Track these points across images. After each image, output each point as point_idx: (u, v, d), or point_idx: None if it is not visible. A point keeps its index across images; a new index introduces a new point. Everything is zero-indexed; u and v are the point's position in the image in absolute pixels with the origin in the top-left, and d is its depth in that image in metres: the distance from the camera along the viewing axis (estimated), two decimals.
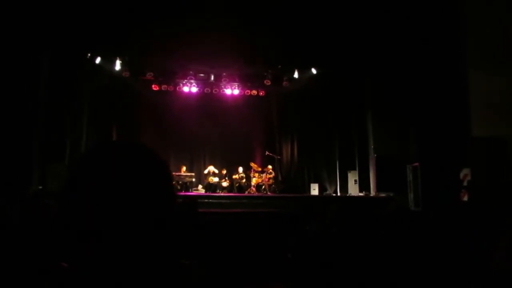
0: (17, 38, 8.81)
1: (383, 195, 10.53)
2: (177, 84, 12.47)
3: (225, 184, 11.85)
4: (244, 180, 12.04)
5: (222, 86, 12.66)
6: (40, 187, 9.77)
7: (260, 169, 12.18)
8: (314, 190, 11.81)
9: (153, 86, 12.32)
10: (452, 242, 3.12)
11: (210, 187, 11.74)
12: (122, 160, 0.81)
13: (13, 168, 8.55)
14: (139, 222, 0.77)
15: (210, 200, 9.75)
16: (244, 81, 12.65)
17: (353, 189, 11.63)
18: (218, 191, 11.61)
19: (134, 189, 0.78)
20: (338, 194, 12.14)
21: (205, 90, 12.68)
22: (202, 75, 12.58)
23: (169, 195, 0.84)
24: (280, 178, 12.87)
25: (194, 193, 11.31)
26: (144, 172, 0.81)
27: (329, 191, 12.51)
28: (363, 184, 11.70)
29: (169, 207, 0.82)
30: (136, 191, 0.78)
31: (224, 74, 12.49)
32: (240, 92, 12.72)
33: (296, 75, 12.41)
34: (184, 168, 11.72)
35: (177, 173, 11.29)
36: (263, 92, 12.87)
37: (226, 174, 12.02)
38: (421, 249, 2.84)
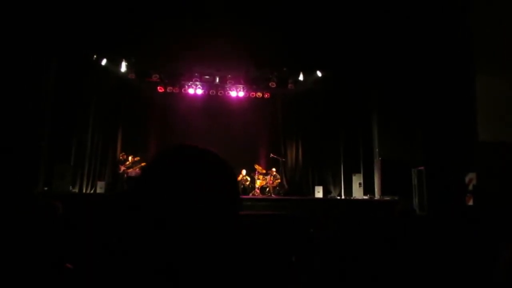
0: (24, 40, 8.90)
1: (387, 198, 10.49)
2: (182, 86, 12.51)
3: None
4: (248, 182, 12.04)
5: (227, 88, 12.68)
6: (46, 188, 9.83)
7: (264, 171, 12.17)
8: (319, 192, 11.79)
9: (158, 88, 12.37)
10: (457, 246, 3.10)
11: None
12: (192, 164, 0.83)
13: (20, 169, 8.62)
14: (206, 225, 0.79)
15: None
16: (249, 83, 12.67)
17: (358, 192, 11.59)
18: None
19: (202, 192, 0.80)
20: (343, 197, 12.10)
21: (210, 92, 12.71)
22: (207, 77, 12.61)
23: (235, 201, 0.85)
24: (284, 180, 12.86)
25: None
26: (213, 176, 0.83)
27: (334, 194, 12.48)
28: (368, 187, 11.67)
29: (234, 213, 0.84)
30: (205, 194, 0.80)
31: (229, 76, 12.52)
32: (245, 94, 12.74)
33: (301, 77, 12.42)
34: None
35: None
36: (268, 94, 12.89)
37: None
38: (426, 252, 2.83)
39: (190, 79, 12.45)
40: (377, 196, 11.34)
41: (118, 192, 10.71)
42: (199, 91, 12.59)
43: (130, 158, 11.40)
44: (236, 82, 12.58)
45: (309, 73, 12.40)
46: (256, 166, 12.13)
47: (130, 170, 11.24)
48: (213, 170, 0.84)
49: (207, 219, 0.79)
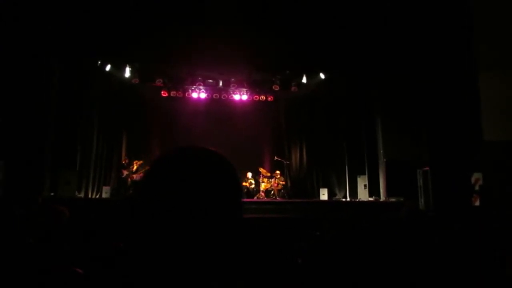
0: (28, 46, 8.97)
1: (393, 200, 10.44)
2: (186, 90, 12.55)
3: None
4: (253, 186, 12.04)
5: (231, 92, 12.70)
6: (52, 193, 9.88)
7: (269, 174, 12.17)
8: (324, 195, 11.75)
9: (162, 92, 12.41)
10: (464, 247, 3.08)
11: None
12: (194, 164, 0.84)
13: (26, 175, 8.67)
14: (208, 224, 0.80)
15: None
16: (253, 87, 12.69)
17: (363, 194, 11.55)
18: None
19: (204, 191, 0.81)
20: (348, 199, 12.07)
21: (214, 96, 12.75)
22: (210, 81, 12.65)
23: (237, 199, 0.86)
24: (289, 183, 12.84)
25: None
26: (216, 176, 0.84)
27: (339, 196, 12.44)
28: (373, 189, 11.61)
29: (237, 212, 0.85)
30: (207, 194, 0.81)
31: (233, 80, 12.54)
32: (248, 98, 12.76)
33: (304, 80, 12.41)
34: None
35: None
36: (272, 97, 12.89)
37: None
38: (433, 253, 2.82)
39: (193, 83, 12.49)
40: (382, 197, 11.29)
41: (123, 197, 10.74)
42: (203, 95, 12.62)
43: (134, 163, 11.44)
44: (240, 85, 12.61)
45: (312, 75, 12.38)
46: (261, 169, 12.13)
47: (135, 175, 11.28)
48: (213, 169, 0.84)
49: (208, 219, 0.79)
